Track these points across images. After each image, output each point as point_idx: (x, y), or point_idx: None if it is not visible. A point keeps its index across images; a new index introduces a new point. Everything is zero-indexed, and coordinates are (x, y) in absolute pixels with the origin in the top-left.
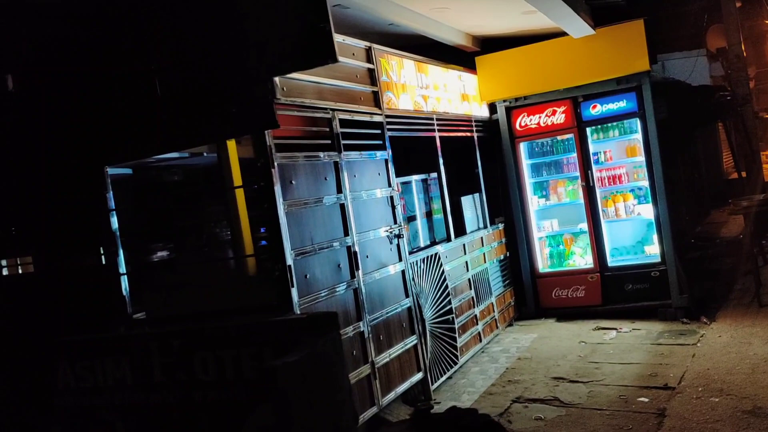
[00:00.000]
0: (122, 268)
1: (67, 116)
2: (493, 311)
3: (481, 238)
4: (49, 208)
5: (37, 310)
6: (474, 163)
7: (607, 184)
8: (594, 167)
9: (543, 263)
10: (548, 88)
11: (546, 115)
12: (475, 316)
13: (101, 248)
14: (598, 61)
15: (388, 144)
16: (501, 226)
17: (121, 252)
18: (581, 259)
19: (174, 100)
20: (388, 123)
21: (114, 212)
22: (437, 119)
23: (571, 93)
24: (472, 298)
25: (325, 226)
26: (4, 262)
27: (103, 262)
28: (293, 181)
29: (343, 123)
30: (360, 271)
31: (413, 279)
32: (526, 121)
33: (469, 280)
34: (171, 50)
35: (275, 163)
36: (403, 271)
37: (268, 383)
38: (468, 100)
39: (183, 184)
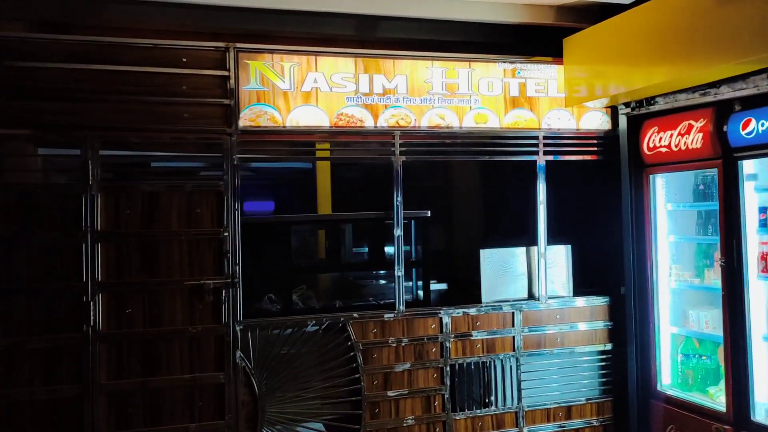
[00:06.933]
0: None
1: None
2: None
3: (513, 314)
4: None
5: None
6: (532, 200)
7: None
8: (759, 235)
9: (669, 377)
10: (679, 85)
11: (679, 134)
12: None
13: None
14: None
15: (232, 171)
16: (600, 301)
17: None
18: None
19: None
20: (245, 144)
21: None
22: (402, 135)
23: (719, 93)
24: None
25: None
26: None
27: None
28: None
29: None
30: (96, 323)
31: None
32: (655, 140)
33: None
34: None
35: None
36: (221, 338)
37: None
38: (530, 107)
39: None
